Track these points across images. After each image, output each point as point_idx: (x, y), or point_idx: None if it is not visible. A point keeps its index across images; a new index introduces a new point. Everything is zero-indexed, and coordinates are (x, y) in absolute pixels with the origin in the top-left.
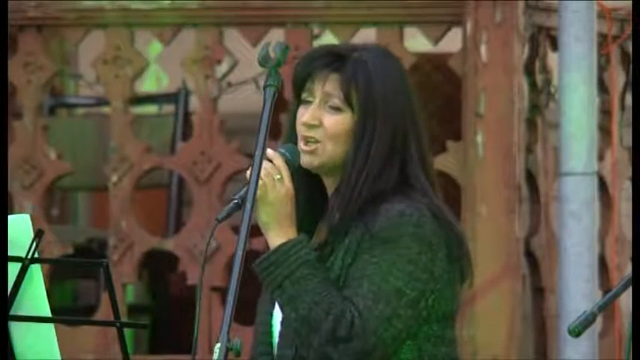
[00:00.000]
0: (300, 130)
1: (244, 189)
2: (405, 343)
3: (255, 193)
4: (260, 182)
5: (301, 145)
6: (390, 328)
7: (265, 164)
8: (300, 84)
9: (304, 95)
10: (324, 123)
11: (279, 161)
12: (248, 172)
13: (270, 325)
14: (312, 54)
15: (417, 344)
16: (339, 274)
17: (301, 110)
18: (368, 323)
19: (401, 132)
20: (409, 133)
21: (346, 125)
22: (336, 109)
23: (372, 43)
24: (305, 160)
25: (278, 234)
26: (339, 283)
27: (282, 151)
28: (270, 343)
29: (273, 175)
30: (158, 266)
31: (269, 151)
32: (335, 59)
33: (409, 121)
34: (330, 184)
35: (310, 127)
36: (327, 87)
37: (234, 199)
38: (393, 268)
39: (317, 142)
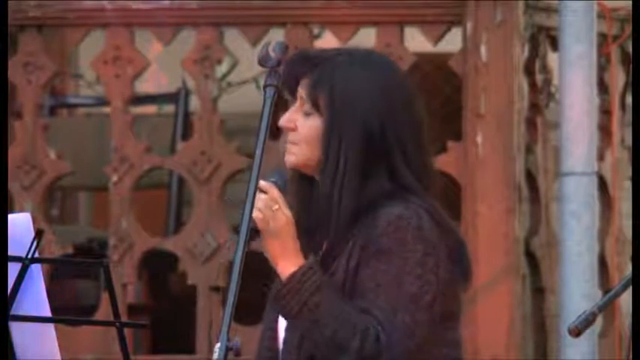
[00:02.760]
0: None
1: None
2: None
3: (254, 193)
4: (260, 215)
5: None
6: (414, 337)
7: (261, 196)
8: (292, 86)
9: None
10: (298, 126)
11: (273, 191)
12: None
13: (276, 331)
14: (299, 56)
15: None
16: (344, 277)
17: None
18: (392, 335)
19: (378, 136)
20: (389, 136)
21: (317, 129)
22: (308, 113)
23: (357, 47)
24: (285, 161)
25: (287, 264)
26: (344, 288)
27: (274, 180)
28: (276, 349)
29: (272, 207)
30: (158, 266)
31: (262, 183)
32: (309, 64)
33: (389, 125)
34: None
35: (285, 129)
36: (300, 91)
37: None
38: (403, 273)
39: (294, 144)
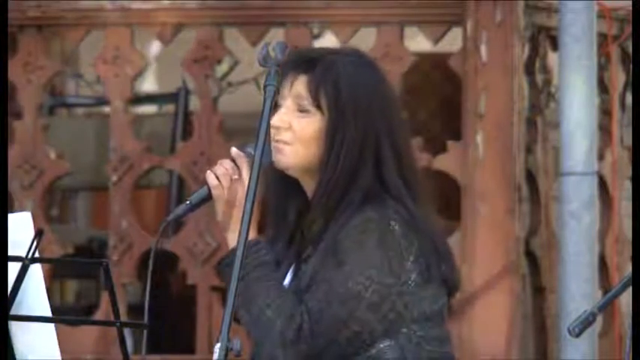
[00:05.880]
0: (272, 132)
1: (199, 191)
2: (372, 345)
3: (255, 191)
4: (215, 183)
5: (273, 146)
6: (345, 329)
7: (226, 164)
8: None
9: (278, 98)
10: (294, 126)
11: (241, 161)
12: (207, 174)
13: None
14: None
15: (399, 344)
16: (308, 282)
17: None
18: (318, 325)
19: (373, 134)
20: (382, 135)
21: (315, 128)
22: (305, 112)
23: (349, 47)
24: (277, 162)
25: (234, 236)
26: (309, 291)
27: (250, 150)
28: None
29: (231, 176)
30: (158, 266)
31: (233, 150)
32: (304, 61)
33: (382, 124)
34: (308, 187)
35: (280, 130)
36: (295, 89)
37: (187, 200)
38: (354, 272)
39: (287, 144)
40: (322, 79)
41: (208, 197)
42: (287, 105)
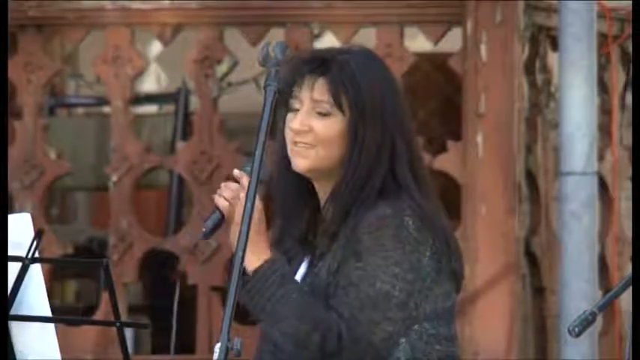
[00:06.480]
0: (289, 136)
1: (212, 217)
2: (398, 343)
3: (255, 190)
4: (226, 204)
5: (291, 150)
6: (380, 331)
7: (231, 185)
8: (288, 91)
9: (292, 102)
10: (314, 128)
11: (245, 180)
12: (216, 197)
13: None
14: (295, 60)
15: (410, 343)
16: (327, 280)
17: (290, 116)
18: (354, 331)
19: (388, 131)
20: (396, 132)
21: (336, 128)
22: (326, 114)
23: (355, 45)
24: (296, 165)
25: (251, 257)
26: (328, 290)
27: (248, 168)
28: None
29: (240, 196)
30: (159, 266)
31: (235, 172)
32: (319, 64)
33: (396, 121)
34: (323, 189)
35: (300, 133)
36: (315, 93)
37: (203, 229)
38: (378, 271)
39: (308, 146)
40: (341, 80)
41: (221, 222)
42: (305, 108)
